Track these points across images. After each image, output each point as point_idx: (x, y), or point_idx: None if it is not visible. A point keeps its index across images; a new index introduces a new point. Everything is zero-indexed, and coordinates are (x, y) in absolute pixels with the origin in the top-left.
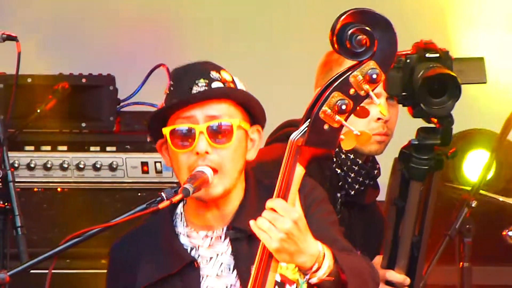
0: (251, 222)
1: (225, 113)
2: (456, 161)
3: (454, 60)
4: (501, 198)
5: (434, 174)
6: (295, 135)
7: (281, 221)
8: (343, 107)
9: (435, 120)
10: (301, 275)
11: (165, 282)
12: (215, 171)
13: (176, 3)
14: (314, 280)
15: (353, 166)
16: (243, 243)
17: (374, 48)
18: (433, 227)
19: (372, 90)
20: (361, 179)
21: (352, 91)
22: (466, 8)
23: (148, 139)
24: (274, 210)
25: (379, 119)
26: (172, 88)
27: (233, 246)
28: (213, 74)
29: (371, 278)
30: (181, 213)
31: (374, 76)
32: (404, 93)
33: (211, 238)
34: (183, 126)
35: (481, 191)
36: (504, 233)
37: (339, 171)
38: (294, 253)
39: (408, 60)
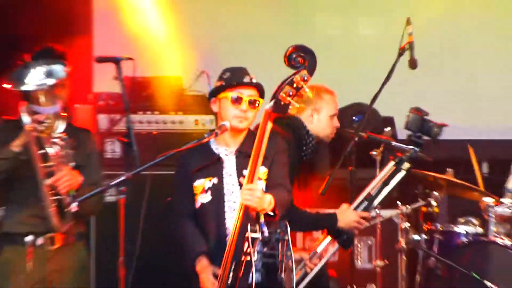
0: (241, 199)
1: (256, 94)
2: (345, 116)
3: None
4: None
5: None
6: (267, 107)
7: (255, 194)
8: (290, 93)
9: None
10: (261, 212)
11: (204, 169)
12: (246, 120)
13: (219, 29)
14: (266, 212)
15: (313, 148)
16: (242, 158)
17: (306, 64)
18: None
19: (305, 84)
20: (312, 153)
21: (294, 85)
22: None
23: (209, 97)
24: (250, 189)
25: (335, 126)
26: (230, 76)
27: (237, 159)
28: (251, 74)
29: (288, 202)
30: (213, 140)
31: (305, 78)
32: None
33: (227, 150)
34: (238, 95)
35: (359, 133)
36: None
37: (304, 148)
38: (262, 205)
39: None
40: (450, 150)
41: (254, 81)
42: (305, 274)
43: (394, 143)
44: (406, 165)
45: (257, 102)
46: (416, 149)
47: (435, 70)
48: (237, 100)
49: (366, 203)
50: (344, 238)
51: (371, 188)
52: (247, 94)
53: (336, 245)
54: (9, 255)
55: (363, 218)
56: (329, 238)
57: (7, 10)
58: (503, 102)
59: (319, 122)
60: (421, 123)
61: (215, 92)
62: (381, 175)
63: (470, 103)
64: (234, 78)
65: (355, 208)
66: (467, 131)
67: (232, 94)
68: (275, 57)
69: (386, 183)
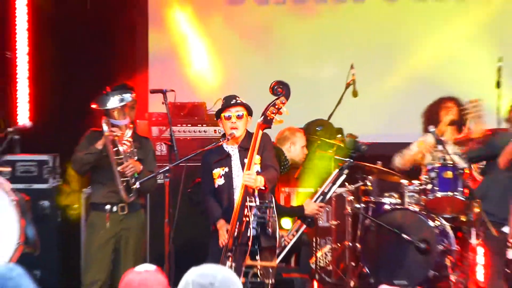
0: (243, 180)
1: (242, 109)
2: (311, 127)
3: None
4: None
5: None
6: (259, 120)
7: (253, 177)
8: (273, 111)
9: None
10: (256, 189)
11: (219, 162)
12: (237, 129)
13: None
14: (259, 187)
15: (288, 167)
16: (243, 151)
17: (283, 93)
18: None
19: (283, 106)
20: (287, 170)
21: (276, 106)
22: None
23: (215, 118)
24: (248, 174)
25: (305, 154)
26: (224, 101)
27: (240, 153)
28: (238, 98)
29: (276, 179)
30: (224, 141)
31: (284, 101)
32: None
33: (232, 147)
34: (229, 114)
35: (322, 138)
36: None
37: (282, 167)
38: (256, 183)
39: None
40: (380, 149)
41: (239, 101)
42: (284, 246)
43: (338, 157)
44: (346, 171)
45: (243, 114)
46: (352, 160)
47: (366, 97)
48: (229, 117)
49: (322, 197)
50: (309, 220)
51: (324, 187)
52: (235, 110)
53: (304, 226)
54: (94, 218)
55: (321, 207)
56: (299, 221)
57: (94, 63)
58: (412, 116)
59: (295, 151)
60: (354, 143)
61: (217, 114)
62: (330, 178)
63: (390, 118)
64: (226, 103)
65: (315, 201)
66: (389, 137)
67: (225, 113)
68: (264, 89)
69: (334, 183)
